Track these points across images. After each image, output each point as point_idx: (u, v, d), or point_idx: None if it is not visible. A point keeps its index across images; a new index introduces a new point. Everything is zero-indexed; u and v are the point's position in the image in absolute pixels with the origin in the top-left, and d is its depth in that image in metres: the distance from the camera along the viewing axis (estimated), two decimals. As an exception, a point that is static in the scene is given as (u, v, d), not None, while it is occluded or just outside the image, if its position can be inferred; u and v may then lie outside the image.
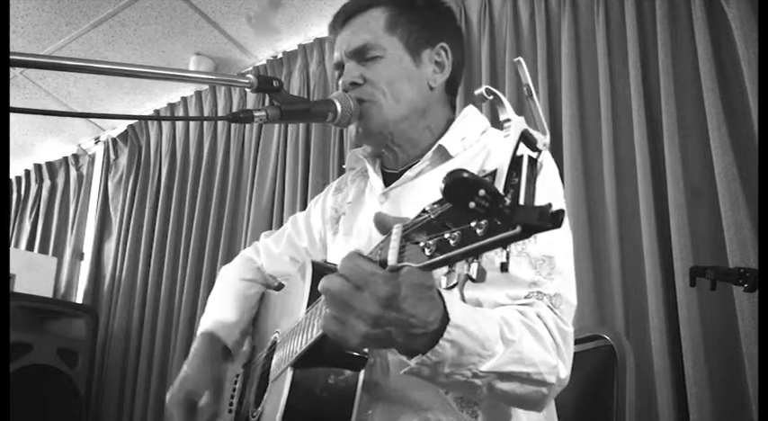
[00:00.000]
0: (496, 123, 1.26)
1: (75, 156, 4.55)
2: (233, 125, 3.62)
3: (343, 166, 1.51)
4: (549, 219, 0.54)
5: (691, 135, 2.15)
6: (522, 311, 0.96)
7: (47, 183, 4.66)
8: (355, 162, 1.44)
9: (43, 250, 4.42)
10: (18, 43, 3.41)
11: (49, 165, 4.68)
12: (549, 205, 0.54)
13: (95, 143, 4.49)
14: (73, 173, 4.52)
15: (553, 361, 0.94)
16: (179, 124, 3.92)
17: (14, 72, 3.66)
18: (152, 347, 3.52)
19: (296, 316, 1.10)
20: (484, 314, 0.89)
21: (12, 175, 4.85)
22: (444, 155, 1.24)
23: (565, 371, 0.96)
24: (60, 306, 3.68)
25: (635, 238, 2.17)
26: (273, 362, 1.16)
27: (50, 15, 3.23)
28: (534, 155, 0.58)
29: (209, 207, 3.56)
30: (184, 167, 3.80)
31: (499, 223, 0.56)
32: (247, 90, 1.19)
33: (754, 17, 2.07)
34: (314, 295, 1.08)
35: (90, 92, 3.91)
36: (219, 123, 3.72)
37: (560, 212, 0.54)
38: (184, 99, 3.88)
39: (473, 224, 0.58)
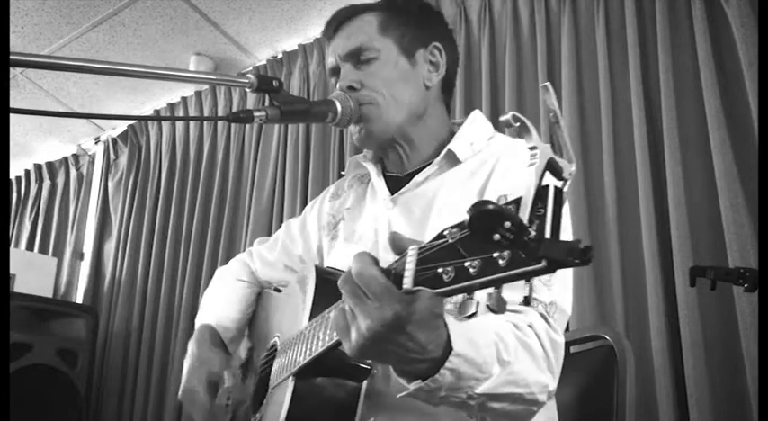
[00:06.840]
0: (498, 128, 1.27)
1: (75, 156, 4.55)
2: (233, 125, 3.62)
3: (342, 173, 1.51)
4: (578, 256, 0.52)
5: (691, 135, 2.15)
6: (515, 324, 0.95)
7: (47, 183, 4.66)
8: (354, 168, 1.43)
9: (43, 250, 4.41)
10: (18, 43, 3.41)
11: (49, 165, 4.68)
12: (578, 241, 0.53)
13: (95, 143, 4.49)
14: (73, 173, 4.52)
15: (545, 380, 0.94)
16: (179, 124, 3.91)
17: (14, 72, 3.66)
18: (152, 347, 3.52)
19: (298, 321, 1.09)
20: (480, 332, 0.87)
21: (12, 175, 4.85)
22: (453, 159, 1.24)
23: (554, 384, 0.97)
24: (60, 306, 3.68)
25: (635, 238, 2.17)
26: (274, 368, 1.15)
27: (50, 15, 3.23)
28: (560, 184, 0.56)
29: (209, 207, 3.56)
30: (184, 167, 3.80)
31: (523, 256, 0.55)
32: (247, 90, 1.19)
33: (754, 17, 2.07)
34: (317, 301, 1.07)
35: (90, 92, 3.90)
36: (219, 123, 3.72)
37: (589, 249, 0.52)
38: (184, 99, 3.88)
39: (495, 254, 0.57)
